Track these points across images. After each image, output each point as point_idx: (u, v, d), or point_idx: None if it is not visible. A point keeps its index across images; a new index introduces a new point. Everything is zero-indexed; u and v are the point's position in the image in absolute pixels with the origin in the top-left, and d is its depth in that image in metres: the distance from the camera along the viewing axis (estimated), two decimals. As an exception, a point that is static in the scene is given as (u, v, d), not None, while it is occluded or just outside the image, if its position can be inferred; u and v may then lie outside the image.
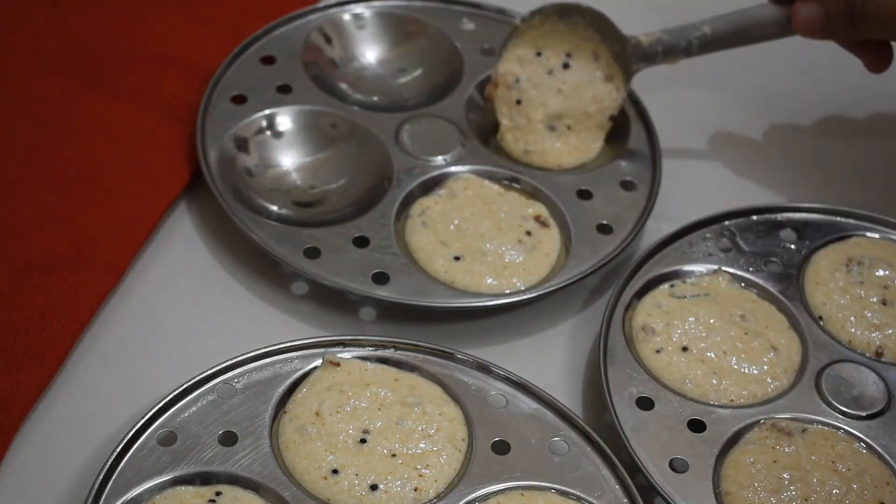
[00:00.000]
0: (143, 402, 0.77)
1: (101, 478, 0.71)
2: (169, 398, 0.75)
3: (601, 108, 0.92)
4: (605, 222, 0.88)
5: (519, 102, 0.92)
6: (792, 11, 0.89)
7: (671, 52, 0.92)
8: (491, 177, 0.90)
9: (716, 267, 0.86)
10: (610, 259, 0.86)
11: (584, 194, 0.90)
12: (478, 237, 0.86)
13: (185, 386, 0.76)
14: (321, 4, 1.01)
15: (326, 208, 0.89)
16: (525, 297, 0.84)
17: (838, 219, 0.90)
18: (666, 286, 0.85)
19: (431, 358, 0.80)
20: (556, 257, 0.86)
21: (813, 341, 0.83)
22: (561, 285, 0.84)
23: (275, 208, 0.88)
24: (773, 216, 0.90)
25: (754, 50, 0.94)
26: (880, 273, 0.86)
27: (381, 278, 0.83)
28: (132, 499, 0.71)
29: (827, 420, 0.79)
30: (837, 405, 0.79)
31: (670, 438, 0.77)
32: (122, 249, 0.85)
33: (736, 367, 0.81)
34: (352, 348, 0.79)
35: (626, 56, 0.92)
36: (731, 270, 0.86)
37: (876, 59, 0.91)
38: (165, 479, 0.72)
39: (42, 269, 0.83)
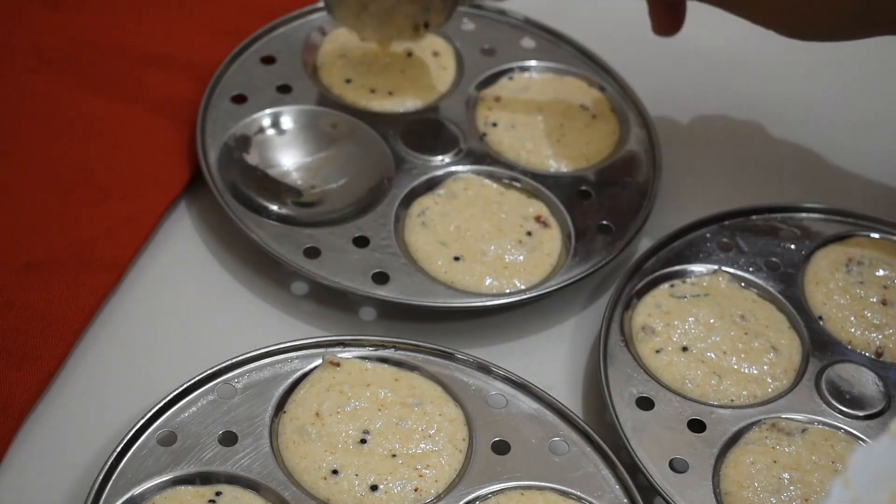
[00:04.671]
0: (143, 402, 0.77)
1: (101, 478, 0.71)
2: (169, 398, 0.75)
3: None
4: (605, 222, 0.88)
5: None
6: None
7: None
8: (491, 176, 0.91)
9: (716, 267, 0.86)
10: (610, 259, 0.86)
11: (584, 194, 0.90)
12: (478, 238, 0.86)
13: (185, 386, 0.76)
14: (321, 4, 1.00)
15: (326, 208, 0.89)
16: (525, 297, 0.84)
17: (838, 219, 0.90)
18: (666, 286, 0.85)
19: (431, 358, 0.80)
20: (556, 258, 0.86)
21: (813, 341, 0.83)
22: (561, 285, 0.84)
23: (275, 208, 0.88)
24: (773, 216, 0.90)
25: (755, 50, 0.94)
26: (880, 273, 0.86)
27: (381, 278, 0.83)
28: (132, 499, 0.71)
29: (827, 420, 0.79)
30: (837, 405, 0.79)
31: (670, 438, 0.77)
32: (122, 249, 0.85)
33: (736, 367, 0.81)
34: (352, 348, 0.79)
35: None
36: (731, 270, 0.86)
37: (668, 23, 0.90)
38: (165, 479, 0.72)
39: (42, 269, 0.83)
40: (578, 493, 0.74)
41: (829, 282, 0.86)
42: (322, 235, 0.85)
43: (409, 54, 0.97)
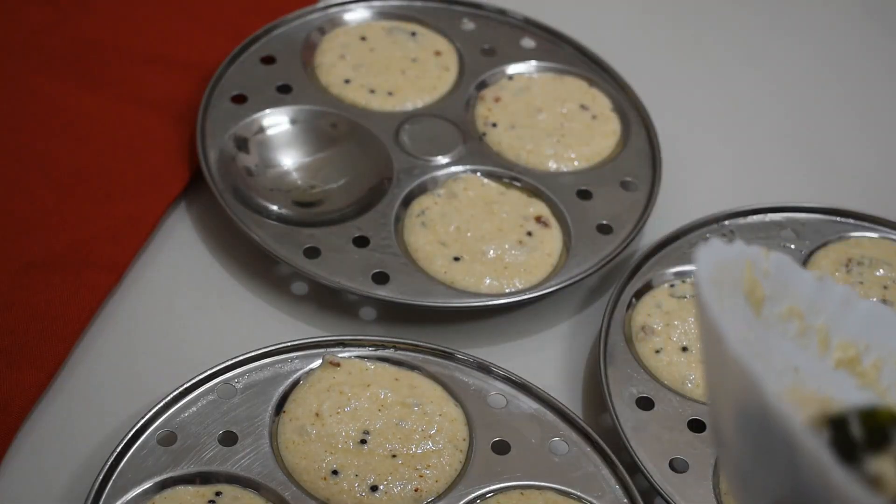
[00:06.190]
0: (143, 402, 0.77)
1: (101, 478, 0.71)
2: (169, 398, 0.75)
3: None
4: (605, 222, 0.88)
5: None
6: None
7: None
8: (491, 176, 0.90)
9: (716, 267, 0.86)
10: (610, 259, 0.86)
11: (584, 194, 0.90)
12: (478, 238, 0.86)
13: (185, 386, 0.76)
14: (321, 4, 1.01)
15: (326, 208, 0.89)
16: (525, 297, 0.84)
17: (838, 219, 0.90)
18: (666, 286, 0.85)
19: (431, 358, 0.80)
20: (557, 258, 0.86)
21: (813, 341, 0.83)
22: (561, 285, 0.84)
23: (275, 208, 0.88)
24: (773, 216, 0.90)
25: (755, 51, 0.94)
26: (880, 273, 0.86)
27: (381, 278, 0.83)
28: (132, 499, 0.71)
29: (827, 420, 0.79)
30: (837, 405, 0.79)
31: (670, 438, 0.77)
32: (122, 249, 0.85)
33: (736, 367, 0.81)
34: (352, 348, 0.79)
35: None
36: (731, 270, 0.86)
37: None
38: (165, 478, 0.72)
39: (42, 269, 0.83)
40: (578, 493, 0.74)
41: (829, 282, 0.86)
42: (322, 235, 0.85)
43: (414, 59, 0.97)
